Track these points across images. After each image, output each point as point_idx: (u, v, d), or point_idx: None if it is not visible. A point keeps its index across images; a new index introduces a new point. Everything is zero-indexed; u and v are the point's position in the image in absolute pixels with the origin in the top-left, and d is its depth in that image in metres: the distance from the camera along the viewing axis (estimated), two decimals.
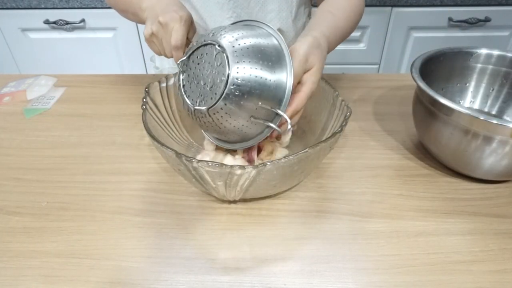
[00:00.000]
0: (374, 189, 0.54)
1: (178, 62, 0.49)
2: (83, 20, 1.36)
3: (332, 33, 0.55)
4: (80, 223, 0.50)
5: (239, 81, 0.42)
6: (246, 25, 0.49)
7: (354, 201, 0.53)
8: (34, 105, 0.74)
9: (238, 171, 0.41)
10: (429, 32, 1.38)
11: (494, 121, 0.46)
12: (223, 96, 0.43)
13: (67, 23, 1.36)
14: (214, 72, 0.44)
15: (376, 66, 1.48)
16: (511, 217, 0.50)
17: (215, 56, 0.44)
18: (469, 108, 0.51)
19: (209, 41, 0.45)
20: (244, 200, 0.52)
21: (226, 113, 0.44)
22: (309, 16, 0.79)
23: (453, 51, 0.62)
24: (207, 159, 0.54)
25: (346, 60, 1.45)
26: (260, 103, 0.44)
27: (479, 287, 0.42)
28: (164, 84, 0.57)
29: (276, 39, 0.47)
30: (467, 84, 0.65)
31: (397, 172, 0.58)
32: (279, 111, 0.45)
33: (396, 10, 1.33)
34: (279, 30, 0.72)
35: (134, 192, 0.54)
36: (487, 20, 1.33)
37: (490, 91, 0.64)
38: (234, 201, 0.52)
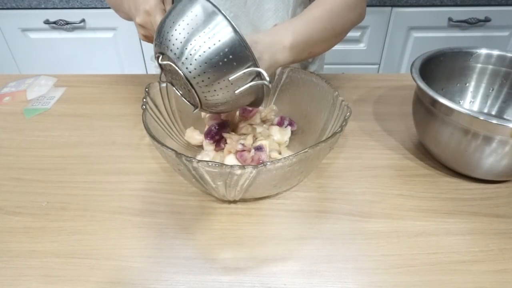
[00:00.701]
0: (374, 189, 0.54)
1: (160, 81, 0.49)
2: (83, 20, 1.36)
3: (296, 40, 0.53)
4: (80, 223, 0.50)
5: (196, 75, 0.42)
6: (174, 6, 0.45)
7: (354, 201, 0.53)
8: (34, 105, 0.74)
9: (238, 171, 0.41)
10: (429, 32, 1.38)
11: (494, 121, 0.46)
12: (198, 94, 0.44)
13: (67, 23, 1.36)
14: (180, 76, 0.43)
15: (376, 66, 1.48)
16: (511, 217, 0.50)
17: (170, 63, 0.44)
18: (469, 108, 0.51)
19: (156, 55, 0.45)
20: (244, 200, 0.52)
21: (216, 101, 0.44)
22: None
23: (453, 51, 0.62)
24: (207, 159, 0.54)
25: (346, 60, 1.45)
26: (230, 77, 0.42)
27: (479, 287, 0.42)
28: (164, 84, 0.57)
29: None
30: (467, 84, 0.65)
31: (397, 172, 0.58)
32: (248, 69, 0.42)
33: (396, 10, 1.33)
34: None
35: (134, 192, 0.54)
36: (487, 20, 1.33)
37: (490, 91, 0.64)
38: (234, 201, 0.52)
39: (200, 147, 0.59)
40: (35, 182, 0.56)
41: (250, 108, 0.60)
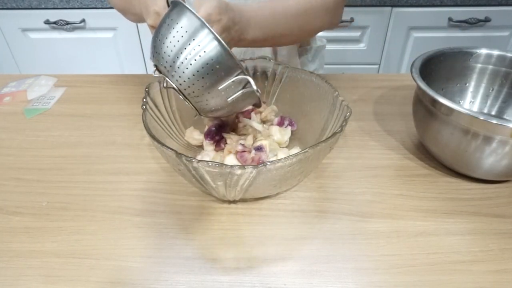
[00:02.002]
0: (374, 189, 0.54)
1: (165, 87, 0.49)
2: (83, 20, 1.36)
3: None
4: (80, 223, 0.50)
5: (186, 86, 0.44)
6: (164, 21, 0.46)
7: (354, 201, 0.53)
8: (34, 105, 0.74)
9: (238, 171, 0.41)
10: (429, 32, 1.38)
11: (494, 121, 0.46)
12: (193, 105, 0.46)
13: (68, 23, 1.36)
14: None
15: (376, 66, 1.48)
16: (511, 217, 0.50)
17: None
18: (469, 108, 0.51)
19: (154, 67, 0.47)
20: (244, 200, 0.52)
21: (210, 109, 0.46)
22: None
23: (453, 51, 0.62)
24: (207, 159, 0.54)
25: (346, 60, 1.45)
26: (219, 87, 0.43)
27: (479, 287, 0.42)
28: (164, 84, 0.57)
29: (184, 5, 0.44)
30: (467, 84, 0.65)
31: (397, 172, 0.58)
32: (237, 77, 0.43)
33: (396, 10, 1.33)
34: None
35: (134, 192, 0.54)
36: (487, 20, 1.33)
37: (490, 91, 0.64)
38: (234, 201, 0.52)
39: (200, 147, 0.60)
40: (35, 182, 0.56)
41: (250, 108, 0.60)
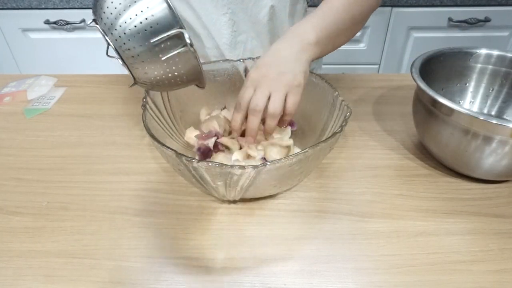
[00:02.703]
0: (374, 189, 0.54)
1: (107, 55, 0.48)
2: (83, 20, 1.36)
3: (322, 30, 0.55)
4: (80, 223, 0.50)
5: (118, 36, 0.42)
6: None
7: (354, 201, 0.53)
8: (34, 105, 0.74)
9: (238, 171, 0.41)
10: (429, 32, 1.38)
11: (494, 121, 0.46)
12: (129, 67, 0.44)
13: (68, 23, 1.36)
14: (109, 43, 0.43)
15: (376, 66, 1.48)
16: (511, 217, 0.50)
17: None
18: (468, 108, 0.51)
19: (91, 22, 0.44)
20: (244, 200, 0.52)
21: (145, 71, 0.44)
22: (305, 12, 0.79)
23: (453, 51, 0.62)
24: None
25: (346, 60, 1.45)
26: (153, 39, 0.42)
27: (479, 287, 0.42)
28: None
29: None
30: (467, 84, 0.65)
31: (397, 172, 0.58)
32: (171, 32, 0.42)
33: (396, 10, 1.33)
34: (273, 24, 0.72)
35: (134, 192, 0.54)
36: (487, 20, 1.33)
37: (490, 91, 0.64)
38: (234, 201, 0.52)
39: None
40: (35, 182, 0.56)
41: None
